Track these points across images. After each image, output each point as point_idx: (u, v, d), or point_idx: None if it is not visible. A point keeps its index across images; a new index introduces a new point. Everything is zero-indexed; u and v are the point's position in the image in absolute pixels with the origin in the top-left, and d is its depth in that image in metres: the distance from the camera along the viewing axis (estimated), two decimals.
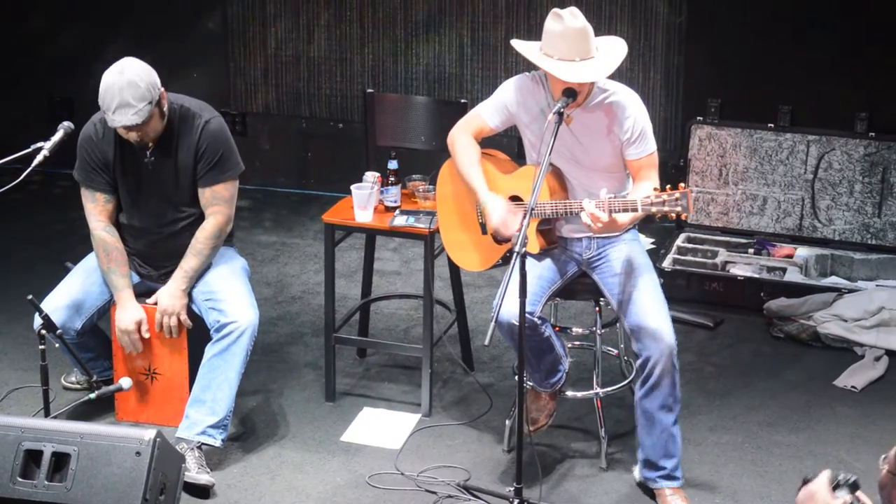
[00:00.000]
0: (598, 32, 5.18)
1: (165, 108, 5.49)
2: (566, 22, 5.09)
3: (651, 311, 5.23)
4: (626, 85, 5.31)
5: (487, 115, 5.43)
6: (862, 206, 7.39)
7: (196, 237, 5.65)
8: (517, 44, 5.28)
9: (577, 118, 5.26)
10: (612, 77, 5.29)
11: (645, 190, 5.15)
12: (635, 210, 5.02)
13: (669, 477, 5.34)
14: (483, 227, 5.52)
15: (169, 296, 5.60)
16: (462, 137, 5.47)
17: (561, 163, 5.33)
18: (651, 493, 5.39)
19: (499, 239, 5.45)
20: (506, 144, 6.14)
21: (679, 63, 7.82)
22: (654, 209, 4.97)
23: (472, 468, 5.58)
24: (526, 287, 4.87)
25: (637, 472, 5.46)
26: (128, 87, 5.30)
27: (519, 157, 5.63)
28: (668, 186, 4.96)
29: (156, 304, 5.63)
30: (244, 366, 5.56)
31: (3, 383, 6.19)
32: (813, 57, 7.45)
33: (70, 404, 5.54)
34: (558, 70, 5.10)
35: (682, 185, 4.96)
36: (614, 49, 5.21)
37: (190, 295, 5.66)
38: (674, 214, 4.96)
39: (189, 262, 5.63)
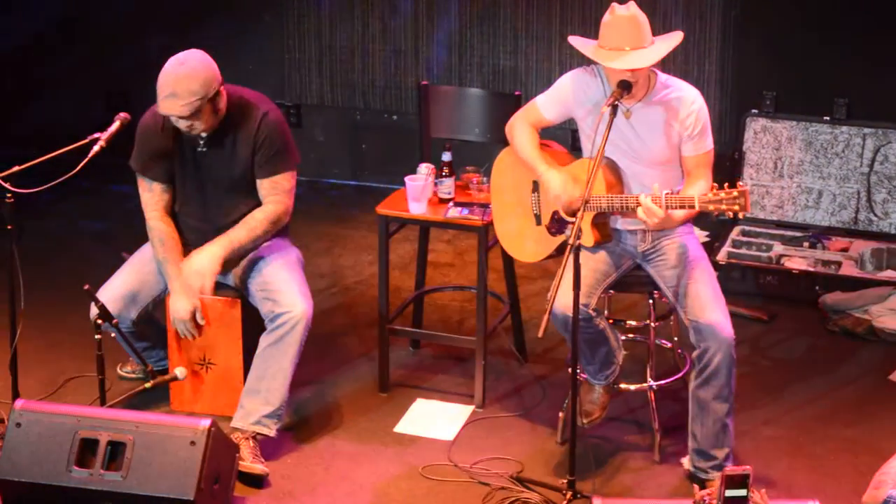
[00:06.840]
0: (652, 26, 5.18)
1: (222, 105, 5.50)
2: (616, 12, 5.11)
3: (709, 303, 5.22)
4: (682, 79, 5.30)
5: (544, 107, 5.44)
6: None
7: (253, 214, 5.63)
8: (574, 40, 5.29)
9: (637, 112, 5.25)
10: (668, 71, 5.29)
11: (700, 188, 5.15)
12: (692, 207, 5.01)
13: (721, 468, 5.32)
14: (537, 217, 5.52)
15: (198, 264, 5.52)
16: (521, 125, 5.49)
17: (617, 156, 5.32)
18: (702, 485, 5.37)
19: (553, 231, 5.46)
20: (560, 137, 6.14)
21: (734, 56, 7.78)
22: (711, 206, 4.95)
23: (526, 460, 5.58)
24: (580, 279, 4.87)
25: (688, 463, 5.44)
26: (183, 78, 5.33)
27: (574, 149, 5.63)
28: (726, 184, 4.94)
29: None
30: (298, 356, 5.57)
31: (60, 372, 6.24)
32: (869, 49, 7.40)
33: (126, 393, 5.58)
34: (605, 58, 5.11)
35: (741, 183, 4.93)
36: (668, 40, 5.20)
37: (245, 286, 5.68)
38: (731, 213, 4.94)
39: (237, 233, 5.59)
